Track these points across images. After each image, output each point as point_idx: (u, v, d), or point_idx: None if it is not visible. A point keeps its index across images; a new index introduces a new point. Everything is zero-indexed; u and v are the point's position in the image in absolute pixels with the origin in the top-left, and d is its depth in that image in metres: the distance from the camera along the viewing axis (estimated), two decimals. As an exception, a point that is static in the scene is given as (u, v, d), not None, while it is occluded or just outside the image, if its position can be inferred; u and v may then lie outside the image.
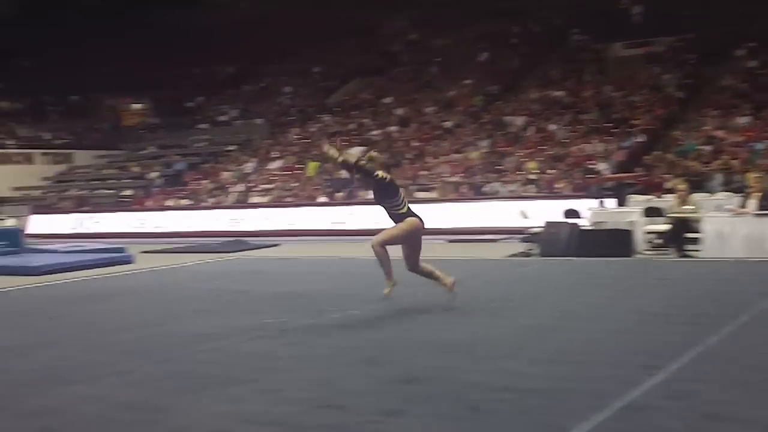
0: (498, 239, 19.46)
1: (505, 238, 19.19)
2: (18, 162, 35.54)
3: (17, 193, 33.01)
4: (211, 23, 40.96)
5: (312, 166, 29.14)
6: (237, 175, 31.17)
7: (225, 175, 31.55)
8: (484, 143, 27.45)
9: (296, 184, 28.38)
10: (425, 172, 26.46)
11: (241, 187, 29.63)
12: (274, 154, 32.32)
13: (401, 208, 8.81)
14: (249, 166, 31.77)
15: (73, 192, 33.19)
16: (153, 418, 5.30)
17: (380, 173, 8.73)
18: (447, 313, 8.69)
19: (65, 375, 6.58)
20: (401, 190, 9.05)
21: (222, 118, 38.89)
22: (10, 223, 23.08)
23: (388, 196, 8.82)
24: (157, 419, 5.28)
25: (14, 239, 19.68)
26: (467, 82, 33.17)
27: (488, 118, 29.64)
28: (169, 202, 29.78)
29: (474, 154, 26.63)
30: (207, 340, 7.77)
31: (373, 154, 9.21)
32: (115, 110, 43.08)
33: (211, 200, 29.21)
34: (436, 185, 25.14)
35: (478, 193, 23.88)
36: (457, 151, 27.41)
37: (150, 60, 40.69)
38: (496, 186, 23.94)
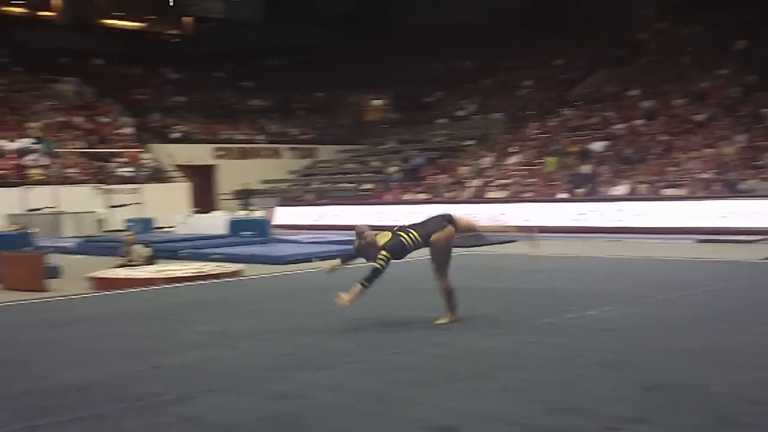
0: (754, 240, 18.11)
1: (763, 239, 17.84)
2: (267, 156, 37.50)
3: (266, 186, 34.79)
4: (451, 18, 41.20)
5: (551, 161, 28.55)
6: (474, 169, 31.12)
7: (462, 169, 31.58)
8: (741, 138, 25.69)
9: (534, 180, 27.90)
10: (673, 168, 25.15)
11: (478, 182, 29.54)
12: (512, 149, 31.98)
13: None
14: (486, 161, 31.62)
15: (316, 185, 34.53)
16: (386, 409, 5.24)
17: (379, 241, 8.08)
18: (690, 319, 8.08)
19: (304, 362, 6.68)
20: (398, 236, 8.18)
21: (460, 112, 38.99)
22: (258, 213, 24.27)
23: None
24: (390, 410, 5.21)
25: (262, 229, 20.67)
26: (722, 72, 31.21)
27: (745, 110, 27.71)
28: (407, 196, 30.23)
29: (728, 150, 24.99)
30: (442, 333, 7.66)
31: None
32: (356, 106, 44.40)
33: (448, 195, 29.33)
34: (685, 182, 23.82)
35: (733, 191, 22.35)
36: (710, 146, 25.83)
37: (390, 57, 41.57)
38: (752, 183, 22.33)
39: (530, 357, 6.61)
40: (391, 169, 34.58)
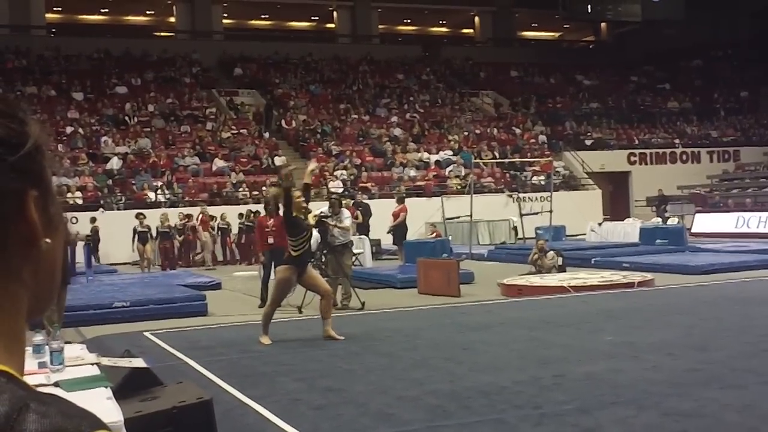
0: None
1: None
2: (685, 161, 36.03)
3: (682, 192, 33.46)
4: None
5: None
6: None
7: None
8: None
9: None
10: None
11: None
12: None
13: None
14: None
15: (739, 190, 32.43)
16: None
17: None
18: None
19: (709, 379, 6.32)
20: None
21: None
22: (673, 221, 23.42)
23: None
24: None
25: (678, 237, 19.91)
26: None
27: None
28: None
29: None
30: None
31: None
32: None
33: None
34: None
35: None
36: None
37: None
38: None
39: None
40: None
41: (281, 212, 9.80)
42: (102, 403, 3.83)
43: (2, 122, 0.79)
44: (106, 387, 4.17)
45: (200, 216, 22.26)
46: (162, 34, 41.98)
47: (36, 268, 0.82)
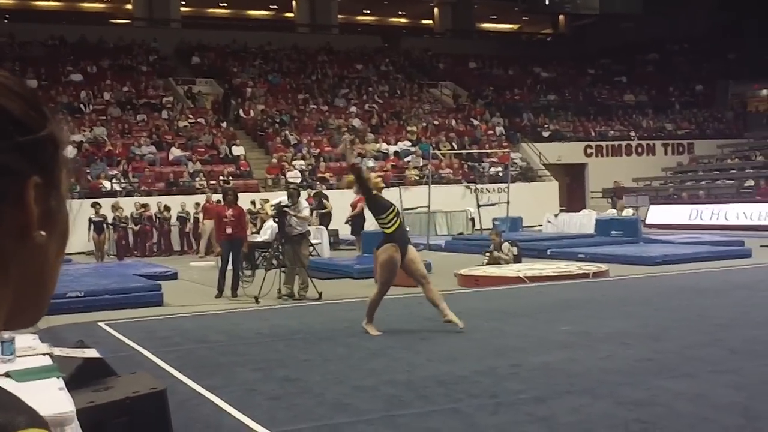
0: None
1: None
2: (640, 153, 36.39)
3: (637, 184, 33.82)
4: None
5: None
6: None
7: None
8: None
9: None
10: None
11: None
12: None
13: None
14: None
15: (693, 183, 32.89)
16: (747, 425, 4.86)
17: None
18: None
19: (662, 369, 6.41)
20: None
21: None
22: (628, 213, 23.67)
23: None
24: (752, 426, 4.83)
25: (632, 229, 20.13)
26: None
27: None
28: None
29: None
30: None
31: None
32: (741, 98, 41.62)
33: None
34: None
35: None
36: None
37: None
38: None
39: None
40: (777, 165, 32.00)
41: (361, 194, 9.56)
42: (54, 394, 3.79)
43: (23, 106, 0.77)
44: (58, 377, 4.12)
45: (205, 204, 21.59)
46: (118, 21, 41.41)
47: (25, 268, 0.77)
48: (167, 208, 22.44)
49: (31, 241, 0.76)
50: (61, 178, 0.80)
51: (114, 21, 41.50)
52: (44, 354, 4.67)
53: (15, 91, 0.78)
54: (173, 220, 22.53)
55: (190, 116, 30.42)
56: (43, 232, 0.77)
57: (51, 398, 3.65)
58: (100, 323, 9.72)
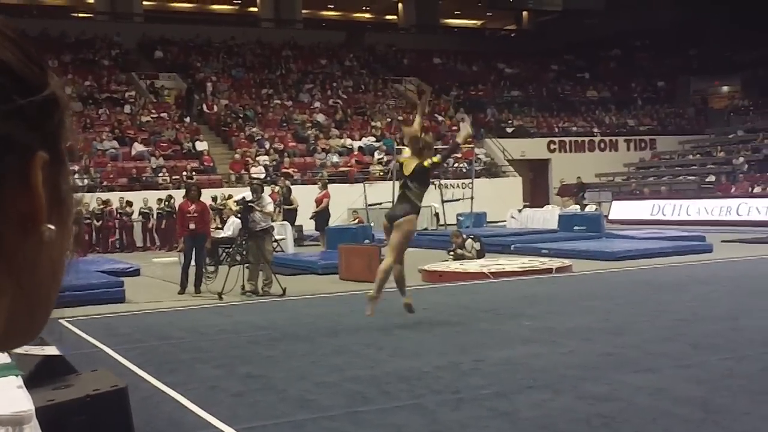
0: None
1: None
2: (603, 149, 36.69)
3: (600, 179, 34.10)
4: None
5: None
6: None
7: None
8: None
9: None
10: None
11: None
12: None
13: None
14: None
15: (655, 179, 33.23)
16: (707, 418, 4.92)
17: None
18: None
19: (624, 363, 6.47)
20: None
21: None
22: (591, 208, 23.87)
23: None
24: (711, 419, 4.89)
25: (595, 224, 20.29)
26: None
27: None
28: (756, 189, 28.18)
29: None
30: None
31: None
32: (702, 94, 42.10)
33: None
34: None
35: None
36: None
37: (740, 41, 38.87)
38: None
39: None
40: (739, 161, 32.41)
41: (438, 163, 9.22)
42: (12, 392, 3.71)
43: (21, 58, 0.59)
44: (16, 375, 4.05)
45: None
46: (80, 15, 40.91)
47: (26, 271, 0.59)
48: (129, 204, 22.26)
49: (38, 236, 0.59)
50: (65, 151, 0.63)
51: (76, 15, 41.01)
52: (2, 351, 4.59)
53: (9, 36, 0.60)
54: (135, 215, 22.37)
55: (153, 111, 30.15)
56: (51, 226, 0.60)
57: (9, 396, 3.59)
58: (60, 320, 9.61)
